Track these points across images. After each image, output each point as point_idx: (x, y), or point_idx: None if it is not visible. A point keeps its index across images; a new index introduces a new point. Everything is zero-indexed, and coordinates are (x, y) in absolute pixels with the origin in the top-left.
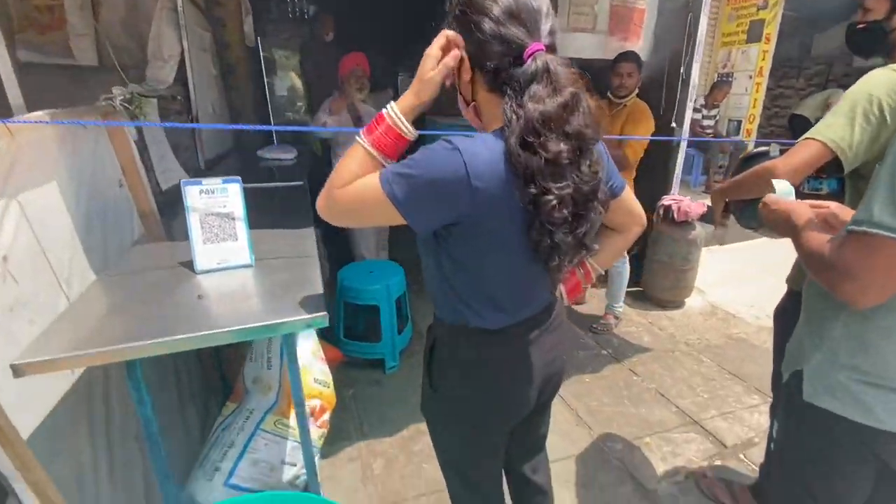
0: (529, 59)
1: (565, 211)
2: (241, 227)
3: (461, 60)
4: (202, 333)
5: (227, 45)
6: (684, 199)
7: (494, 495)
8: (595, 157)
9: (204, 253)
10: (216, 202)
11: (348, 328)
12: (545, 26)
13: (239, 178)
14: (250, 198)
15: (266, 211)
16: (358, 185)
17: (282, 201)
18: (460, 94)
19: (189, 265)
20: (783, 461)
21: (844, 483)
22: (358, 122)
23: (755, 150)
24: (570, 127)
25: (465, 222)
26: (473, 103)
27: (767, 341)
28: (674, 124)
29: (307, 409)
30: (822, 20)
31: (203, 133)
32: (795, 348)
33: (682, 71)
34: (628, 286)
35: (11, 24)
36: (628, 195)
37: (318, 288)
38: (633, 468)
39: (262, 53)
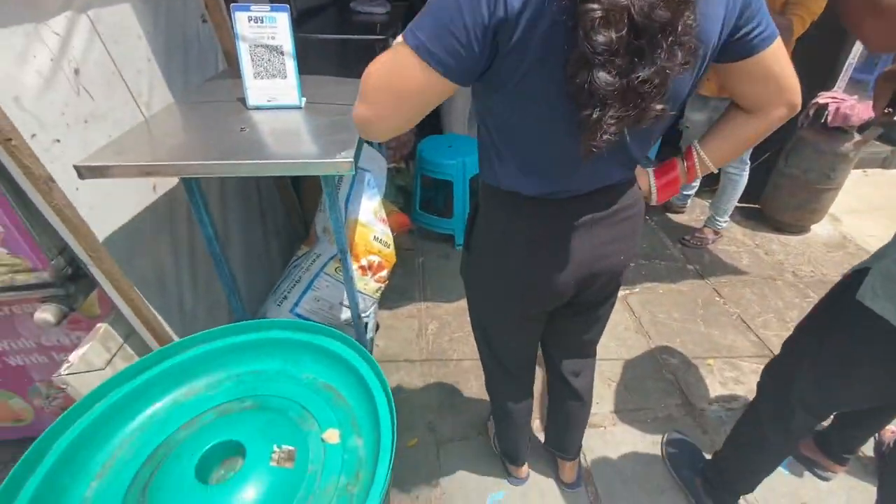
0: None
1: (612, 34)
2: (290, 64)
3: None
4: (224, 162)
5: None
6: (848, 100)
7: (520, 373)
8: None
9: (255, 87)
10: (264, 32)
11: (426, 201)
12: None
13: (287, 6)
14: (324, 48)
15: (336, 61)
16: (386, 55)
17: (355, 53)
18: None
19: (244, 99)
20: (797, 339)
21: (847, 383)
22: None
23: None
24: None
25: (498, 60)
26: None
27: None
28: None
29: (363, 263)
30: None
31: None
32: (881, 249)
33: None
34: (743, 201)
35: None
36: (778, 53)
37: (356, 137)
38: (686, 384)
39: None
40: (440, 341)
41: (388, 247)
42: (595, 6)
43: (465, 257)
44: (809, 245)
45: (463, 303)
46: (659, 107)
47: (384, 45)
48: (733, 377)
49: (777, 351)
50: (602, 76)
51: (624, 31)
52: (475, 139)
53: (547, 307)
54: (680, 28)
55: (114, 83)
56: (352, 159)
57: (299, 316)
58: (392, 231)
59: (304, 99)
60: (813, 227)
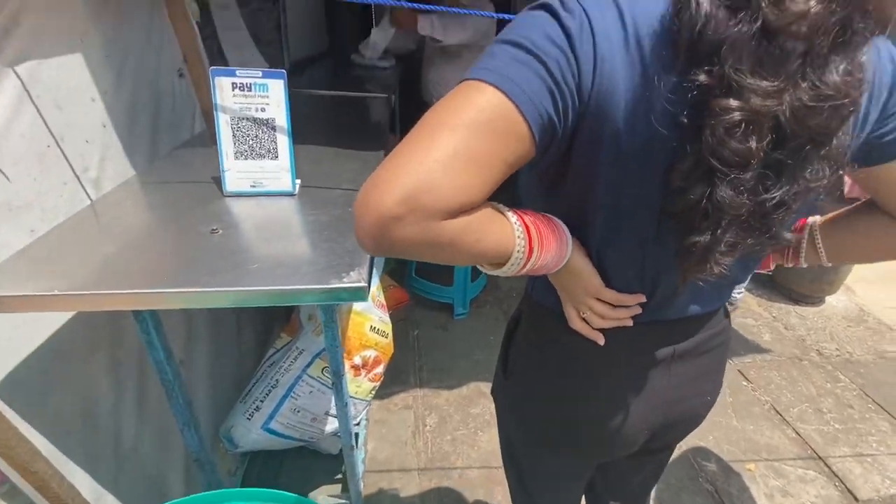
0: None
1: (753, 143)
2: (284, 142)
3: None
4: (184, 291)
5: None
6: None
7: None
8: (861, 60)
9: (234, 170)
10: (252, 102)
11: (421, 265)
12: None
13: (283, 72)
14: (320, 107)
15: (334, 125)
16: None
17: (357, 115)
18: None
19: (221, 182)
20: None
21: None
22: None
23: None
24: None
25: (575, 143)
26: None
27: None
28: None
29: (356, 361)
30: None
31: (290, 22)
32: None
33: None
34: None
35: None
36: None
37: None
38: (728, 497)
39: None
40: (440, 442)
41: (386, 336)
42: (735, 104)
43: (501, 380)
44: (829, 318)
45: (467, 390)
46: (788, 235)
47: (390, 105)
48: (779, 487)
49: (820, 451)
50: (728, 195)
51: (770, 137)
52: None
53: (605, 458)
54: (836, 140)
55: (48, 160)
56: (365, 284)
57: (273, 432)
58: (388, 310)
59: (297, 182)
60: (828, 298)
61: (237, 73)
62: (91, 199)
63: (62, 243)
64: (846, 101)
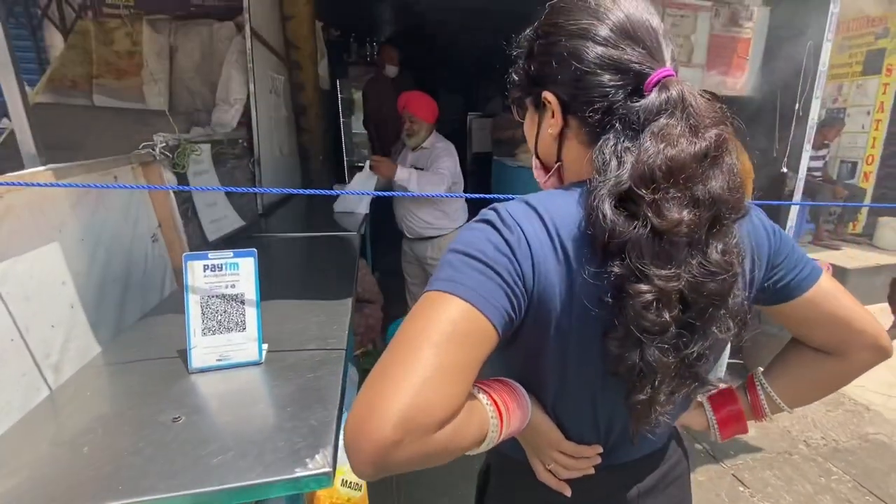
0: (655, 89)
1: (666, 315)
2: (252, 314)
3: (544, 110)
4: (138, 501)
5: (301, 87)
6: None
7: None
8: (733, 241)
9: (201, 346)
10: (223, 281)
11: None
12: (667, 50)
13: (254, 250)
14: (290, 249)
15: (302, 269)
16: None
17: (326, 254)
18: (537, 157)
19: (187, 357)
20: None
21: None
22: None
23: None
24: (702, 188)
25: (524, 325)
26: (558, 165)
27: None
28: (785, 169)
29: None
30: None
31: (264, 175)
32: None
33: (797, 107)
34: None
35: (91, 68)
36: (832, 292)
37: (333, 409)
38: None
39: (339, 95)
40: None
41: (360, 489)
42: (645, 288)
43: None
44: (807, 405)
45: None
46: (713, 377)
47: (360, 239)
48: None
49: None
50: (656, 356)
51: (678, 310)
52: None
53: None
54: (732, 300)
55: (9, 353)
56: (330, 469)
57: None
58: None
59: (264, 347)
60: None
61: (209, 255)
62: (50, 389)
63: (12, 451)
64: (728, 273)
